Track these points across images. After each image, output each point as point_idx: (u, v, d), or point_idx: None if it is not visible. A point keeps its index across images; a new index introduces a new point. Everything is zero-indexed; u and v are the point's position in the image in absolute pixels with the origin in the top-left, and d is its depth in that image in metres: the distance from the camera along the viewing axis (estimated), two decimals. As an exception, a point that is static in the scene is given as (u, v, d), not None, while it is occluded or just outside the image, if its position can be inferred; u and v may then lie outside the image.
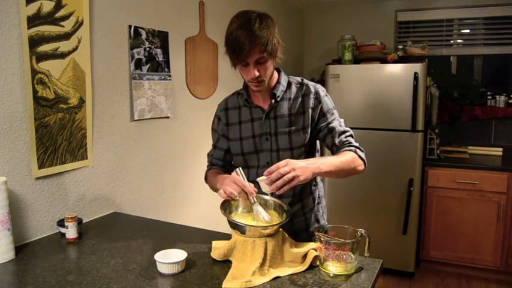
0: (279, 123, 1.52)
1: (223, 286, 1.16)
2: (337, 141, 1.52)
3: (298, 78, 1.59)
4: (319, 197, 1.65)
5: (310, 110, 1.52)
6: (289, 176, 1.23)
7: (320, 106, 1.53)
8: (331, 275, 1.24)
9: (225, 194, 1.33)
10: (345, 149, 1.49)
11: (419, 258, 3.40)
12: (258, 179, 1.30)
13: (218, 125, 1.63)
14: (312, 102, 1.52)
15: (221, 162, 1.67)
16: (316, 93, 1.53)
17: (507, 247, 3.10)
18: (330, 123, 1.53)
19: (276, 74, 1.54)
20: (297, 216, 1.58)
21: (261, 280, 1.18)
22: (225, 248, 1.32)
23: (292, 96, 1.54)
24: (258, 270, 1.21)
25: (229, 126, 1.59)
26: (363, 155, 1.50)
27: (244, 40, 1.32)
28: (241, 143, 1.57)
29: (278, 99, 1.52)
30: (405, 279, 3.25)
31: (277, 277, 1.22)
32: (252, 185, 1.36)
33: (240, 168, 1.39)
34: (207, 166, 1.71)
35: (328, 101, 1.55)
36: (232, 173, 1.39)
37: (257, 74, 1.39)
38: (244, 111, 1.57)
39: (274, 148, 1.53)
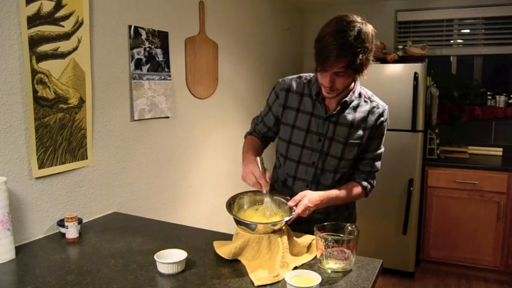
0: (338, 130, 1.49)
1: (256, 285, 1.17)
2: (365, 170, 1.58)
3: (368, 92, 1.56)
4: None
5: (370, 130, 1.51)
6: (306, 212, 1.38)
7: (380, 130, 1.53)
8: (329, 271, 1.26)
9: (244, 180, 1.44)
10: (362, 183, 1.58)
11: (419, 258, 3.40)
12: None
13: (274, 103, 1.59)
14: (375, 123, 1.51)
15: (261, 136, 1.69)
16: (382, 115, 1.52)
17: (507, 247, 3.10)
18: (378, 149, 1.55)
19: (352, 84, 1.49)
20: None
21: (284, 272, 1.20)
22: (236, 246, 1.33)
23: (358, 109, 1.50)
24: (280, 263, 1.24)
25: (286, 109, 1.55)
26: (370, 190, 1.62)
27: (332, 50, 1.26)
28: (292, 131, 1.54)
29: (347, 107, 1.49)
30: (405, 279, 3.25)
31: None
32: (268, 174, 1.40)
33: (261, 158, 1.43)
34: (250, 129, 1.74)
35: (386, 126, 1.55)
36: (253, 163, 1.44)
37: (330, 84, 1.35)
38: (307, 101, 1.52)
39: (325, 151, 1.51)
